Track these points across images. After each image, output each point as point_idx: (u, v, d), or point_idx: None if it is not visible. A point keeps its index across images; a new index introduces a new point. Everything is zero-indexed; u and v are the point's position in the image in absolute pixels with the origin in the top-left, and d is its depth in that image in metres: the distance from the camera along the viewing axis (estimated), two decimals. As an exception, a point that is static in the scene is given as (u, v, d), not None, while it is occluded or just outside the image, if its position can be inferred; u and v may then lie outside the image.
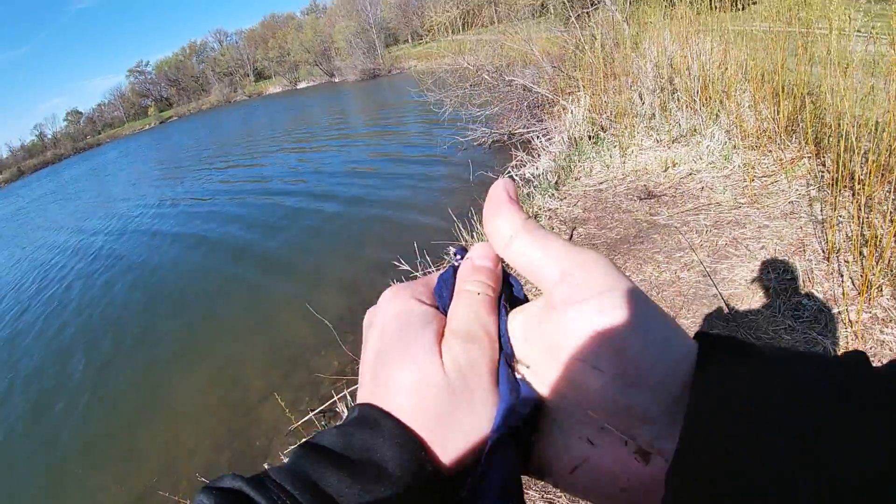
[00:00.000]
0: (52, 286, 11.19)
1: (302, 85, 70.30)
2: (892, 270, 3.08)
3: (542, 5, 14.79)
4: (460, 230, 5.78)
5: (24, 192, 42.32)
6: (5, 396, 7.22)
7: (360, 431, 0.34)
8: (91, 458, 5.47)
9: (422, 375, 0.35)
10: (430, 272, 5.01)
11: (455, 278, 0.42)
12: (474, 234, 5.64)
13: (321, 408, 4.54)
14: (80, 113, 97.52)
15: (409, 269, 5.11)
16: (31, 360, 7.93)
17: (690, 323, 3.40)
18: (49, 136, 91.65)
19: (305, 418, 4.48)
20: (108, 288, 10.01)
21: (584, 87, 8.55)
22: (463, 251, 0.43)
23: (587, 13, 11.57)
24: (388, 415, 0.35)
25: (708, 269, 3.84)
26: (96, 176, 35.17)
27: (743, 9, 7.65)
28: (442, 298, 0.41)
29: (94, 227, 15.76)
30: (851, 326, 2.92)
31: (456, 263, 0.43)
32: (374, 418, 0.35)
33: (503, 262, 0.41)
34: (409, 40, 71.97)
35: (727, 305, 3.38)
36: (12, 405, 6.97)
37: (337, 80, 61.12)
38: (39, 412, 6.58)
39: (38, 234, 18.45)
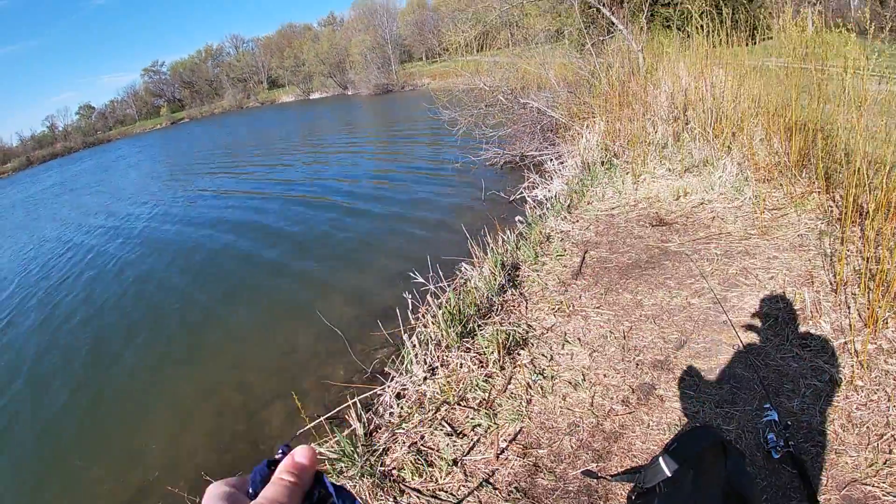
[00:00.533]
0: (64, 270, 11.26)
1: (315, 95, 70.60)
2: (898, 305, 3.19)
3: (558, 31, 14.98)
4: (473, 247, 5.87)
5: (35, 180, 42.13)
6: (6, 383, 7.29)
7: None
8: (92, 449, 5.50)
9: None
10: (441, 286, 5.11)
11: (269, 469, 0.51)
12: (487, 251, 5.72)
13: (328, 415, 4.58)
14: (93, 108, 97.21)
15: (423, 281, 5.19)
16: (40, 351, 7.96)
17: (701, 348, 3.50)
18: (60, 129, 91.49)
19: (310, 425, 4.53)
20: (120, 280, 10.14)
21: (599, 113, 8.69)
22: (287, 448, 0.53)
23: (602, 41, 11.75)
24: None
25: (718, 297, 3.94)
26: (106, 171, 34.97)
27: (756, 43, 7.80)
28: (254, 483, 0.50)
29: (102, 224, 15.77)
30: (857, 357, 3.02)
31: (277, 457, 0.52)
32: None
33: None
34: (424, 58, 72.56)
35: (737, 332, 3.48)
36: (16, 393, 7.02)
37: (350, 93, 61.52)
38: (43, 401, 6.61)
39: (58, 220, 18.47)
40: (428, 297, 4.83)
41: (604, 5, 11.09)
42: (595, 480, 2.74)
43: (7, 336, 8.90)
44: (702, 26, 7.80)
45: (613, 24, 11.15)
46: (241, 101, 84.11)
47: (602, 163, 7.80)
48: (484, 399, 3.53)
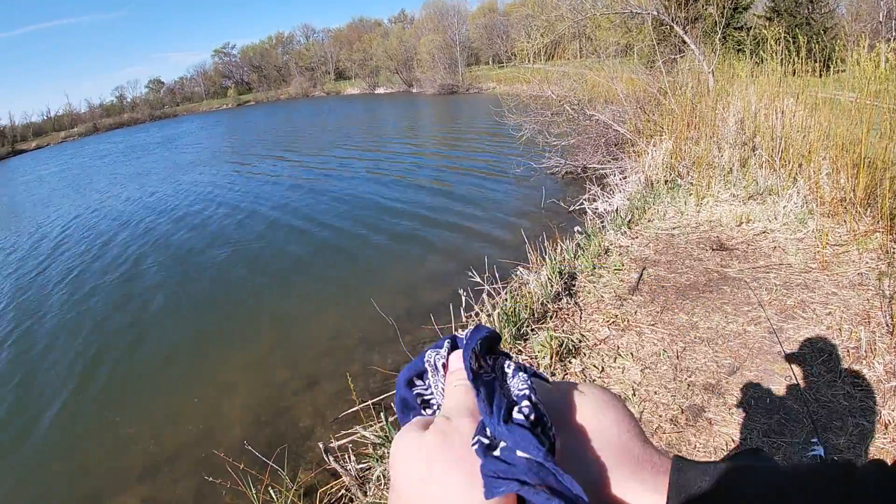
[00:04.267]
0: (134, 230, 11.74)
1: (380, 90, 71.33)
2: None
3: (628, 46, 14.93)
4: (530, 252, 6.01)
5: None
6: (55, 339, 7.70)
7: None
8: (131, 406, 5.75)
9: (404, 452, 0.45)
10: (496, 287, 5.25)
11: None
12: (545, 257, 5.82)
13: (373, 400, 4.75)
14: (162, 83, 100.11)
15: (478, 280, 5.33)
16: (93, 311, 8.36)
17: (753, 376, 3.57)
18: (129, 100, 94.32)
19: (358, 406, 4.68)
20: (187, 244, 10.85)
21: (667, 131, 8.70)
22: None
23: (673, 59, 11.69)
24: None
25: (775, 327, 4.00)
26: (168, 148, 36.06)
27: (828, 74, 7.67)
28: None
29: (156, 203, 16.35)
30: (909, 399, 3.07)
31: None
32: None
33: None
34: (490, 62, 72.64)
35: (790, 364, 3.54)
36: (66, 340, 7.49)
37: (415, 91, 61.96)
38: (88, 360, 6.94)
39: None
40: (483, 296, 4.98)
41: (676, 23, 11.06)
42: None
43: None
44: (776, 52, 7.73)
45: (685, 42, 11.11)
46: (307, 89, 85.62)
47: (665, 182, 7.83)
48: (535, 402, 3.65)
